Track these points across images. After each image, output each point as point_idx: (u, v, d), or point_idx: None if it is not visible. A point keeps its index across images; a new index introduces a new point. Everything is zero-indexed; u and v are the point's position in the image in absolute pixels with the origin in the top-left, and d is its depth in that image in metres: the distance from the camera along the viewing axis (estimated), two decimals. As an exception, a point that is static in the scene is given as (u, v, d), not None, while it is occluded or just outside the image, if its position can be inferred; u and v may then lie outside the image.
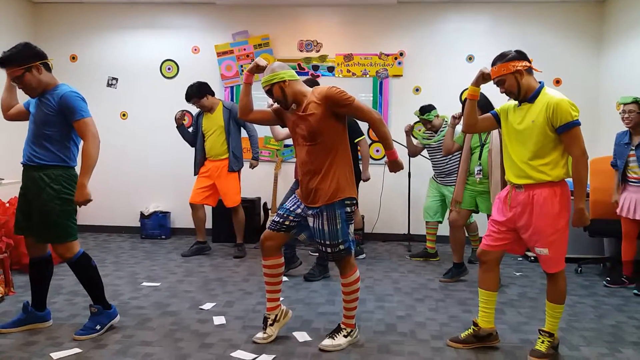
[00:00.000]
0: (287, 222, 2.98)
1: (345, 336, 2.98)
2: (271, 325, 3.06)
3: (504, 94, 2.80)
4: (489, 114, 3.01)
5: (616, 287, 4.26)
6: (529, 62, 2.76)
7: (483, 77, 2.85)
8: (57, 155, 3.00)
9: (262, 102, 5.65)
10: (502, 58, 2.75)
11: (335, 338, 2.96)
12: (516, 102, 2.84)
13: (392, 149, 2.92)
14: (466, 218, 4.32)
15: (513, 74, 2.72)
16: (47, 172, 2.98)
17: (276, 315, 3.09)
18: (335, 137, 2.87)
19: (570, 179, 2.76)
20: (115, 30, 6.28)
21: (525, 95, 2.76)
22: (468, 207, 4.27)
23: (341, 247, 2.90)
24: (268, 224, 3.06)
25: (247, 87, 3.03)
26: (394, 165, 2.97)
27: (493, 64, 2.79)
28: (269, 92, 2.91)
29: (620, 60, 5.45)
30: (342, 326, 3.02)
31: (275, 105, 3.08)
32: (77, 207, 3.08)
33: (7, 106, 3.19)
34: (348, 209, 2.91)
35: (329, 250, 2.91)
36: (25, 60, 2.89)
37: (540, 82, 2.78)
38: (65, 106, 2.93)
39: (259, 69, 2.96)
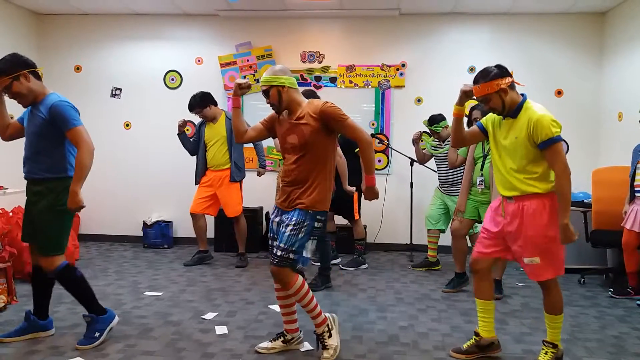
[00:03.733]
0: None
1: (329, 336, 2.95)
2: (283, 342, 3.05)
3: (489, 111, 2.79)
4: (475, 127, 2.99)
5: (622, 298, 4.25)
6: (511, 76, 2.72)
7: (466, 95, 2.81)
8: (54, 168, 3.01)
9: (263, 112, 5.69)
10: (485, 76, 2.70)
11: (327, 346, 2.93)
12: None
13: (372, 175, 2.88)
14: (468, 227, 4.32)
15: (497, 93, 2.68)
16: (47, 185, 3.00)
17: (293, 338, 3.08)
18: (323, 151, 2.88)
19: None
20: (119, 41, 6.34)
21: (509, 111, 2.74)
22: (470, 217, 4.28)
23: (291, 255, 2.82)
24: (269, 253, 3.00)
25: (236, 110, 3.05)
26: (370, 192, 2.92)
27: (475, 82, 2.74)
28: (266, 93, 2.89)
29: (621, 71, 5.47)
30: (320, 333, 2.96)
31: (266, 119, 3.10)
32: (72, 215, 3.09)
33: (1, 127, 3.15)
34: (316, 224, 2.87)
35: (278, 253, 2.83)
36: (11, 69, 2.90)
37: (522, 95, 2.75)
38: (56, 115, 2.93)
39: (242, 89, 2.98)
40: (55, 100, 2.96)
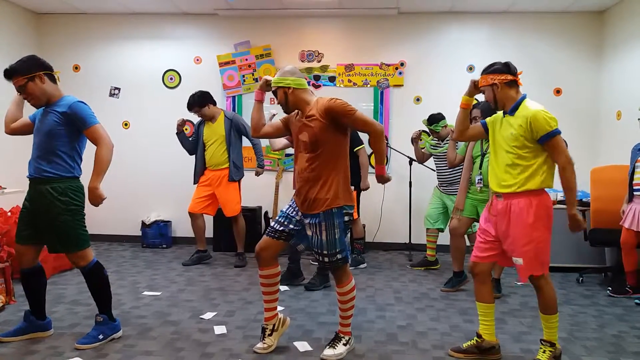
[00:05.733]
0: (286, 230, 2.98)
1: (344, 344, 2.99)
2: (269, 335, 3.06)
3: (487, 105, 2.90)
4: (479, 124, 3.07)
5: (620, 297, 4.25)
6: (514, 75, 2.80)
7: (475, 86, 2.93)
8: (64, 168, 3.03)
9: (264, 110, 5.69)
10: (486, 69, 2.85)
11: (336, 347, 2.96)
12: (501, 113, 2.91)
13: (383, 165, 2.94)
14: (467, 226, 4.32)
15: (490, 86, 2.81)
16: (54, 186, 3.00)
17: (274, 325, 3.09)
18: (336, 147, 2.89)
19: (550, 189, 2.80)
20: (117, 41, 6.33)
21: (503, 107, 2.83)
22: (469, 215, 4.28)
23: (338, 256, 2.91)
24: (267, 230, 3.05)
25: (258, 104, 3.12)
26: (381, 179, 2.99)
27: (482, 73, 2.89)
28: (275, 94, 3.00)
29: (620, 70, 5.47)
30: (340, 335, 3.03)
31: (274, 117, 3.13)
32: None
33: (11, 119, 3.22)
34: (346, 218, 2.92)
35: (326, 259, 2.91)
36: (28, 70, 2.95)
37: (523, 94, 2.82)
38: (75, 116, 2.98)
39: (268, 85, 3.05)
40: (73, 101, 3.02)
